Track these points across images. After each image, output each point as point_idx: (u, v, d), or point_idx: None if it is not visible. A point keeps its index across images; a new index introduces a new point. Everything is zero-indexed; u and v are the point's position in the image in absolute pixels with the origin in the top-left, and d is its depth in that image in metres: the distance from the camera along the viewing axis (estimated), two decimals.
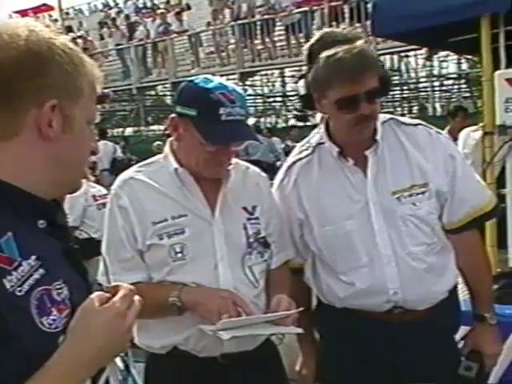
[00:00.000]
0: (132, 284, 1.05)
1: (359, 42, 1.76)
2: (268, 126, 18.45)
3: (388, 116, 1.94)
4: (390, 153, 1.88)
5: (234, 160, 1.87)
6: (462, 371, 1.97)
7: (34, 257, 0.94)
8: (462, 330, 2.09)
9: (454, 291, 2.01)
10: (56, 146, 1.00)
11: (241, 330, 1.62)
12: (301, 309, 1.71)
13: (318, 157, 1.95)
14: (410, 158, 1.87)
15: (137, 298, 1.01)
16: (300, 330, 1.74)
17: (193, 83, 1.75)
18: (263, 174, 2.00)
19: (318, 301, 2.07)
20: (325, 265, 1.97)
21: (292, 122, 21.21)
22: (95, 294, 0.97)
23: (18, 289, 0.90)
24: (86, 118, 1.05)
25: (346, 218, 1.88)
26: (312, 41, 1.86)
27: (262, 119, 21.29)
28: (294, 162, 1.99)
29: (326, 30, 1.91)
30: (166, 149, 1.87)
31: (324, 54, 1.75)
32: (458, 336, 2.08)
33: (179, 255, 1.75)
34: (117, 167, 9.51)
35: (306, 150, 1.99)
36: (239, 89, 1.79)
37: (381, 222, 1.86)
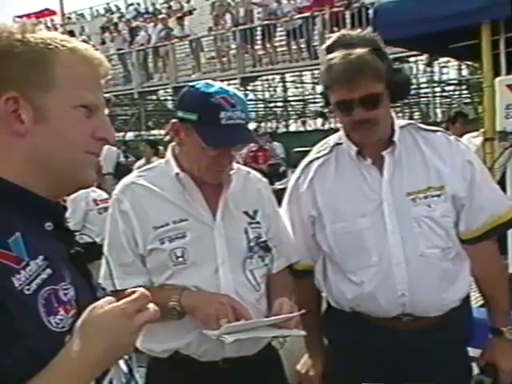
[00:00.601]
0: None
1: (359, 49, 1.75)
2: (269, 130, 18.45)
3: (407, 121, 1.95)
4: (406, 155, 1.88)
5: (236, 165, 1.88)
6: None
7: (41, 257, 0.94)
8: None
9: (466, 301, 1.97)
10: (34, 140, 0.98)
11: (244, 333, 1.62)
12: (303, 311, 1.71)
13: (336, 156, 1.96)
14: (426, 161, 1.87)
15: (152, 305, 0.97)
16: (303, 333, 1.74)
17: (194, 88, 1.76)
18: (264, 179, 2.01)
19: (328, 305, 2.06)
20: (335, 265, 1.96)
21: (292, 127, 21.21)
22: (106, 299, 0.95)
23: (26, 287, 0.90)
24: (73, 103, 1.01)
25: (359, 216, 1.87)
26: (328, 42, 1.88)
27: (263, 124, 21.32)
28: (311, 161, 1.99)
29: (343, 32, 1.91)
30: (168, 153, 1.88)
31: (327, 58, 1.80)
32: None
33: (180, 259, 1.75)
34: (120, 171, 9.51)
35: (323, 150, 2.00)
36: (240, 93, 1.80)
37: (394, 222, 1.84)
